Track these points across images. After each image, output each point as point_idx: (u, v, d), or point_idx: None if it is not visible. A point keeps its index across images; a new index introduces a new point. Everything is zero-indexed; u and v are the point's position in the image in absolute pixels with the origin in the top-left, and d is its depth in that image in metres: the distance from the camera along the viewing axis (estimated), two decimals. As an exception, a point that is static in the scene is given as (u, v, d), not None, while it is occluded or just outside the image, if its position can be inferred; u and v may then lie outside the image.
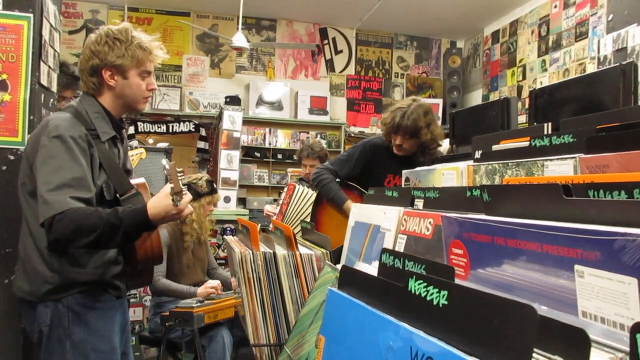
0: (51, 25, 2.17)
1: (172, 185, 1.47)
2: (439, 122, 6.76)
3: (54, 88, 2.26)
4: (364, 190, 2.55)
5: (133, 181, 1.72)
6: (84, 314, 1.59)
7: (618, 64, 1.28)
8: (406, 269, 0.70)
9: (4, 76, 1.96)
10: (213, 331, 2.81)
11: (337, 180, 2.60)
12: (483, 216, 0.79)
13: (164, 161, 1.53)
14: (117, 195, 1.62)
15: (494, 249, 0.70)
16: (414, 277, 0.57)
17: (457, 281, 0.70)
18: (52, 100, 2.23)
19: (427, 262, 0.65)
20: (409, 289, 0.57)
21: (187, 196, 1.53)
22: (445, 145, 3.33)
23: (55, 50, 2.25)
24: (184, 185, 1.49)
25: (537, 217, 0.69)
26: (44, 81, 2.09)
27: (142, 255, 1.63)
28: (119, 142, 1.76)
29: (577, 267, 0.56)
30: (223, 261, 4.38)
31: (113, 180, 1.63)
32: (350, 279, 0.74)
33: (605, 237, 0.52)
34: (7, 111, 1.95)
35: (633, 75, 1.23)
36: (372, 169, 2.60)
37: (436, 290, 0.53)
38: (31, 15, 1.99)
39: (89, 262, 1.60)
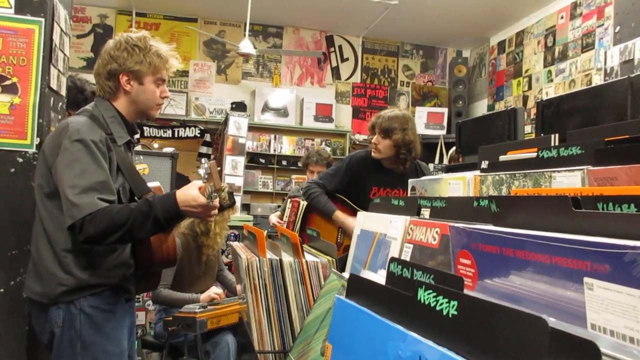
0: (61, 30, 2.19)
1: (211, 183, 1.50)
2: (443, 132, 6.79)
3: (63, 92, 2.28)
4: (352, 204, 2.60)
5: (149, 184, 1.76)
6: (96, 316, 1.61)
7: (626, 76, 1.28)
8: (414, 278, 0.70)
9: (15, 79, 1.97)
10: (218, 337, 2.81)
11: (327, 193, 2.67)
12: (491, 227, 0.79)
13: (204, 160, 1.57)
14: (136, 197, 1.67)
15: (502, 259, 0.70)
16: (424, 286, 0.58)
17: (465, 292, 0.70)
18: (60, 103, 2.24)
19: (436, 271, 0.65)
20: (418, 298, 0.58)
21: (217, 201, 1.56)
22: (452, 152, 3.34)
23: (65, 55, 2.27)
24: (219, 190, 1.51)
25: (546, 229, 0.69)
26: (53, 85, 2.10)
27: (158, 258, 1.67)
28: (132, 146, 1.81)
29: (586, 279, 0.56)
30: (227, 267, 4.37)
31: (131, 183, 1.68)
32: (358, 288, 0.74)
33: (615, 250, 0.52)
34: (17, 114, 1.97)
35: (641, 88, 1.23)
36: (358, 182, 2.67)
37: (446, 300, 0.53)
38: (42, 19, 2.01)
39: (103, 264, 1.63)
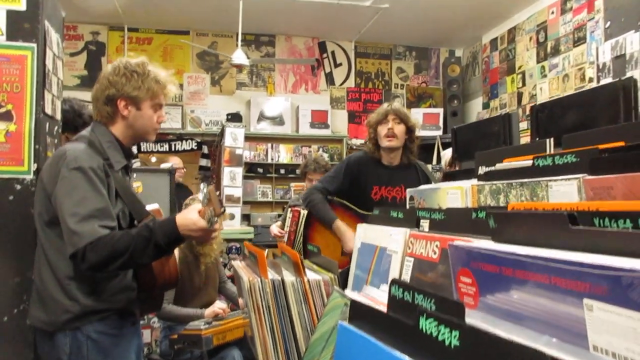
0: (54, 54, 2.19)
1: (211, 208, 1.53)
2: (439, 132, 6.81)
3: (58, 116, 2.28)
4: (355, 208, 2.61)
5: (148, 207, 1.76)
6: (102, 341, 1.61)
7: (618, 79, 1.29)
8: (416, 302, 0.70)
9: (9, 106, 1.97)
10: (224, 352, 2.81)
11: (329, 197, 2.70)
12: (490, 244, 0.80)
13: (203, 185, 1.60)
14: (135, 222, 1.68)
15: (502, 279, 0.71)
16: (425, 315, 0.58)
17: (467, 310, 0.70)
18: (56, 127, 2.25)
19: (437, 296, 0.65)
20: (420, 327, 0.58)
21: (217, 225, 1.60)
22: (447, 154, 3.36)
23: (58, 78, 2.27)
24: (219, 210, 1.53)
25: (544, 245, 0.70)
26: (48, 110, 2.10)
27: (160, 281, 1.68)
28: (129, 170, 1.82)
29: (585, 300, 0.56)
30: (230, 280, 4.37)
31: (130, 208, 1.68)
32: (360, 313, 0.74)
33: (611, 272, 0.52)
34: (13, 141, 1.97)
35: (633, 90, 1.24)
36: (358, 182, 2.70)
37: (447, 330, 0.54)
38: (35, 45, 2.01)
39: (106, 289, 1.64)
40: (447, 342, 0.52)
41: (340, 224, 2.56)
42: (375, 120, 2.68)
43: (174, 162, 5.25)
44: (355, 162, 2.72)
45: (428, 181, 2.67)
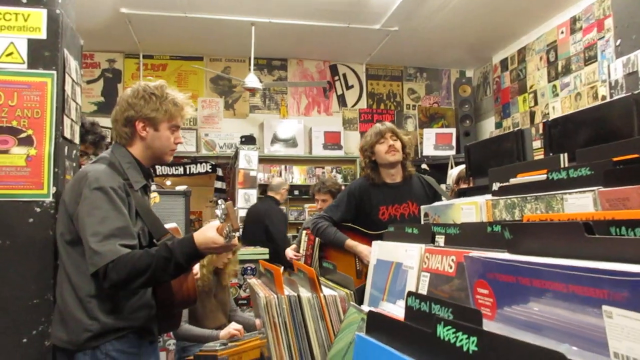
0: (73, 80, 2.25)
1: (229, 223, 1.57)
2: (453, 152, 6.80)
3: (77, 140, 2.33)
4: (363, 230, 2.63)
5: (166, 226, 1.79)
6: None
7: (630, 93, 1.29)
8: (432, 312, 0.70)
9: (30, 132, 2.02)
10: (239, 374, 2.79)
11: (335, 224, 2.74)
12: (506, 255, 0.80)
13: (220, 201, 1.65)
14: (155, 240, 1.70)
15: (520, 289, 0.71)
16: (442, 323, 0.58)
17: (485, 321, 0.70)
18: (74, 151, 2.29)
19: (454, 305, 0.65)
20: (438, 334, 0.58)
21: (235, 240, 1.63)
22: (454, 172, 3.36)
23: (77, 104, 2.33)
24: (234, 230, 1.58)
25: (561, 255, 0.70)
26: (67, 134, 2.15)
27: (179, 298, 1.70)
28: (148, 189, 1.85)
29: (605, 307, 0.56)
30: (245, 301, 4.36)
31: (149, 226, 1.72)
32: (377, 324, 0.75)
33: (630, 277, 0.53)
34: (33, 165, 2.01)
35: (646, 104, 1.24)
36: (364, 207, 2.73)
37: (465, 336, 0.54)
38: (54, 72, 2.07)
39: (126, 307, 1.66)
40: (465, 348, 0.53)
41: (351, 242, 2.58)
42: (372, 142, 2.73)
43: (285, 186, 5.35)
44: (357, 188, 2.76)
45: (434, 190, 2.71)
